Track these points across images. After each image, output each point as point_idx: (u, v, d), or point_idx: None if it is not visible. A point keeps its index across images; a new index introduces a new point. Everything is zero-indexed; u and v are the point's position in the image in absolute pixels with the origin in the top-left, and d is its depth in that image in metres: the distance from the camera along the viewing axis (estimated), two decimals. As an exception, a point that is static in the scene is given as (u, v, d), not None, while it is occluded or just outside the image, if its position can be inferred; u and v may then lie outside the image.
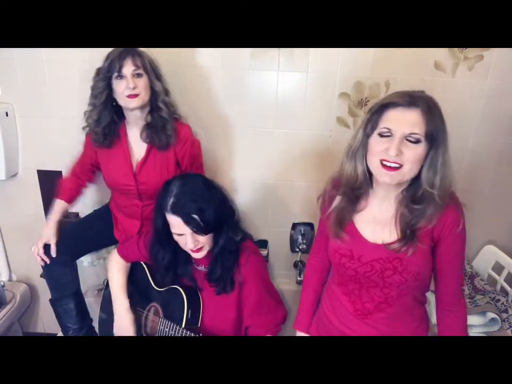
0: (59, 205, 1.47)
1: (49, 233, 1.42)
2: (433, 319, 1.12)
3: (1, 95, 1.61)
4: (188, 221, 1.11)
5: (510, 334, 1.39)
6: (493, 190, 1.63)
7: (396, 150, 0.87)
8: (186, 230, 1.12)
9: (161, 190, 1.19)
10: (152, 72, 1.33)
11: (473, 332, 1.41)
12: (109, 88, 1.32)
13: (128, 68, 1.28)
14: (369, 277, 1.00)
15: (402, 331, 1.04)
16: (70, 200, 1.49)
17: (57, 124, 1.61)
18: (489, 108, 1.51)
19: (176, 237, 1.17)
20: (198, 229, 1.12)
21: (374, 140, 0.92)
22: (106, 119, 1.36)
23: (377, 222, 1.01)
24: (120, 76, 1.28)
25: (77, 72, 1.52)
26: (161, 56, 1.51)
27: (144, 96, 1.31)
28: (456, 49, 1.44)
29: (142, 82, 1.30)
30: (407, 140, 0.88)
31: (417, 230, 0.95)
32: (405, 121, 0.88)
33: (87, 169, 1.52)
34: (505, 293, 1.52)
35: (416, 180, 0.93)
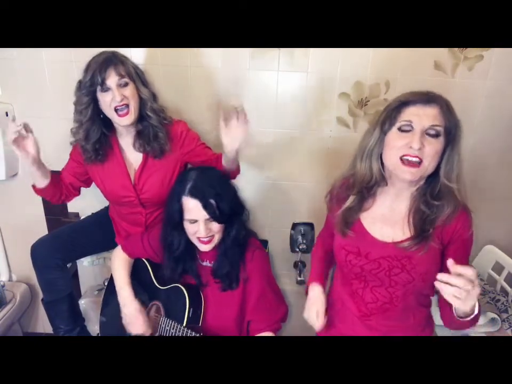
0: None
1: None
2: (436, 321, 1.11)
3: (1, 95, 1.61)
4: (206, 205, 1.11)
5: (510, 334, 1.39)
6: (493, 190, 1.63)
7: (419, 143, 0.87)
8: (201, 215, 1.12)
9: (177, 178, 1.20)
10: (137, 78, 1.26)
11: (473, 332, 1.41)
12: (94, 102, 1.25)
13: (113, 79, 1.20)
14: (376, 274, 0.99)
15: (406, 333, 1.04)
16: (52, 178, 1.33)
17: (57, 124, 1.61)
18: (489, 108, 1.51)
19: (187, 225, 1.16)
20: (214, 215, 1.12)
21: (393, 136, 0.93)
22: (95, 135, 1.29)
23: (387, 220, 1.00)
24: (105, 89, 1.21)
25: (77, 72, 1.52)
26: (161, 56, 1.51)
27: (134, 106, 1.25)
28: (456, 49, 1.44)
29: (129, 92, 1.23)
30: (427, 134, 0.89)
31: (432, 228, 0.94)
32: (425, 115, 0.89)
33: (65, 187, 1.42)
34: (505, 293, 1.52)
35: (432, 177, 0.94)
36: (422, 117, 0.89)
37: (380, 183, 0.99)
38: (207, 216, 1.12)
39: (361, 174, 0.99)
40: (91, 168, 1.38)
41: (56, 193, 1.39)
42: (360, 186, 1.00)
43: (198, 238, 1.17)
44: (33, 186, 1.35)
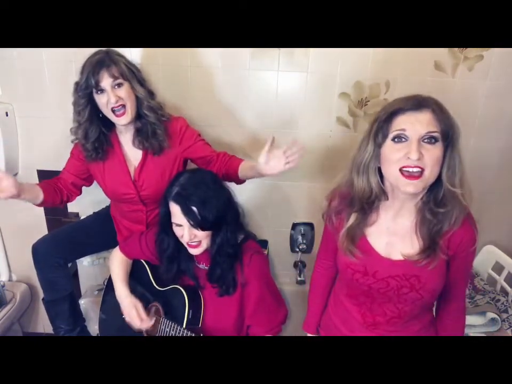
0: (33, 185, 1.31)
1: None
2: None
3: (1, 95, 1.61)
4: (186, 212, 1.11)
5: (510, 334, 1.40)
6: (493, 190, 1.63)
7: (417, 152, 0.83)
8: (184, 221, 1.12)
9: (171, 180, 1.20)
10: (133, 77, 1.26)
11: (473, 332, 1.42)
12: (91, 103, 1.26)
13: (106, 81, 1.21)
14: (384, 293, 0.97)
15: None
16: (45, 191, 1.32)
17: (57, 124, 1.61)
18: (489, 108, 1.51)
19: (174, 227, 1.17)
20: (195, 222, 1.11)
21: (389, 148, 0.88)
22: (94, 134, 1.30)
23: (393, 234, 0.97)
24: (100, 90, 1.23)
25: (77, 72, 1.52)
26: (162, 56, 1.52)
27: (130, 106, 1.26)
28: (456, 49, 1.44)
29: (124, 92, 1.24)
30: (424, 141, 0.85)
31: (440, 237, 0.92)
32: (418, 122, 0.84)
33: (66, 187, 1.42)
34: (505, 293, 1.52)
35: (435, 183, 0.89)
36: (415, 124, 0.84)
37: (380, 197, 0.95)
38: (188, 223, 1.12)
39: (360, 190, 0.95)
40: (92, 166, 1.39)
41: (56, 199, 1.38)
42: (361, 202, 0.96)
43: (186, 241, 1.17)
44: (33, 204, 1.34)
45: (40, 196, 1.31)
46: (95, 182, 1.47)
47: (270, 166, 1.17)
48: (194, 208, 1.11)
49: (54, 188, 1.38)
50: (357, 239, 0.98)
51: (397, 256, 0.96)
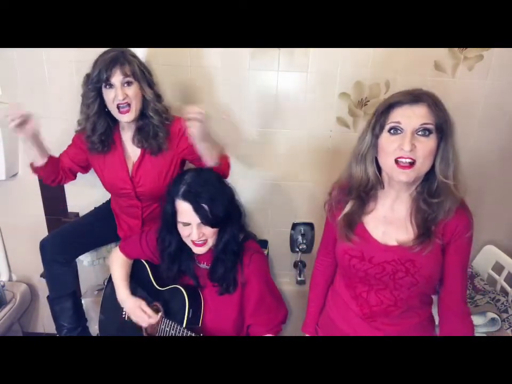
0: (46, 148, 1.36)
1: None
2: (436, 320, 1.11)
3: (1, 95, 1.61)
4: (197, 209, 1.11)
5: (510, 334, 1.40)
6: (493, 190, 1.63)
7: (410, 144, 0.87)
8: (193, 219, 1.12)
9: (174, 178, 1.21)
10: (143, 79, 1.29)
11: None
12: (100, 96, 1.29)
13: (117, 78, 1.24)
14: (380, 278, 0.99)
15: (410, 333, 1.04)
16: (50, 161, 1.36)
17: (57, 124, 1.61)
18: (489, 108, 1.51)
19: (180, 227, 1.16)
20: (206, 219, 1.12)
21: (385, 139, 0.93)
22: (101, 127, 1.33)
23: (389, 222, 1.00)
24: (109, 85, 1.25)
25: (77, 72, 1.53)
26: (162, 56, 1.52)
27: (135, 105, 1.28)
28: (456, 49, 1.44)
29: (132, 91, 1.27)
30: (418, 134, 0.89)
31: (434, 225, 0.95)
32: (413, 115, 0.89)
33: (63, 170, 1.45)
34: (505, 293, 1.52)
35: (429, 174, 0.94)
36: (410, 117, 0.89)
37: (376, 186, 0.99)
38: (199, 220, 1.12)
39: (357, 178, 0.99)
40: (93, 157, 1.41)
41: (50, 175, 1.42)
42: (358, 191, 1.01)
43: (192, 240, 1.17)
44: (31, 165, 1.37)
45: (45, 159, 1.34)
46: (95, 181, 1.48)
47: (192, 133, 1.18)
48: (204, 206, 1.11)
49: (57, 166, 1.42)
50: (354, 225, 1.02)
51: (392, 242, 1.00)
